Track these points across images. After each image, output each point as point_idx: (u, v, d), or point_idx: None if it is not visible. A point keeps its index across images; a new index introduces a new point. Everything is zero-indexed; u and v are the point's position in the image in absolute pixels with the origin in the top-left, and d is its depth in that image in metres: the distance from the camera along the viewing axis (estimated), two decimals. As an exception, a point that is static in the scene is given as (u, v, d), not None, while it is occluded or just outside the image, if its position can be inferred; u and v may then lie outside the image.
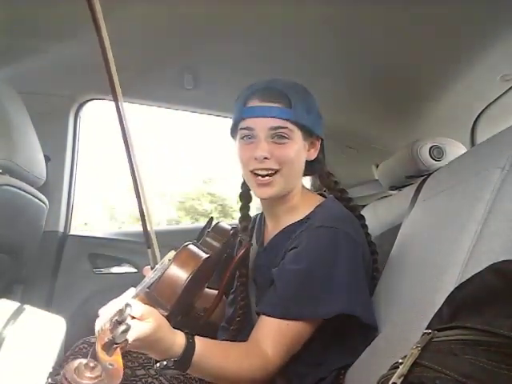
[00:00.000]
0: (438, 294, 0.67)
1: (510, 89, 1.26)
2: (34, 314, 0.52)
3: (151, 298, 0.73)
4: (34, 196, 1.35)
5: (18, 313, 0.51)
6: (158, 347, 0.69)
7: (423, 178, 1.16)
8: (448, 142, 1.25)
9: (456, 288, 0.48)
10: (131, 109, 1.76)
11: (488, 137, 0.86)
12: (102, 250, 1.77)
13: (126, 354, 0.85)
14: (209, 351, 0.75)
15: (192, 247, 0.82)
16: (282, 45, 1.30)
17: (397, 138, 1.58)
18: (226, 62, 1.44)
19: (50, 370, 0.51)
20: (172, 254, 0.80)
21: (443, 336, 0.43)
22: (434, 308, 0.50)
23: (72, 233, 1.79)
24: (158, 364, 0.72)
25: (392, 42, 1.20)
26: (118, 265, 1.77)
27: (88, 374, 0.50)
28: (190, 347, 0.71)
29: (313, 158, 0.98)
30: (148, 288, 0.74)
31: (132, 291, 0.72)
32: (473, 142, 1.47)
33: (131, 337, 0.61)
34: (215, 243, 0.94)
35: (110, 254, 1.77)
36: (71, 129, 1.72)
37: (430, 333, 0.45)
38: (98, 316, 0.67)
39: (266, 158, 0.89)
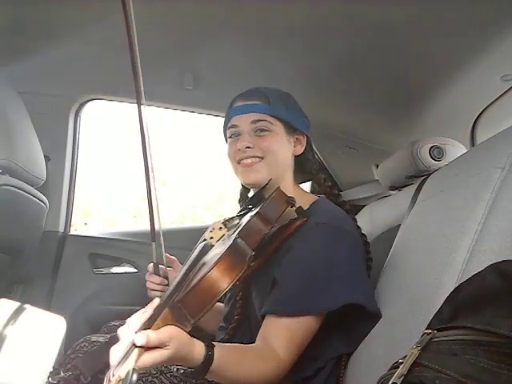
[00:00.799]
0: (438, 294, 0.68)
1: (510, 89, 1.26)
2: (34, 314, 0.52)
3: (177, 312, 0.65)
4: (34, 196, 1.35)
5: (18, 312, 0.51)
6: (178, 361, 0.68)
7: (423, 177, 1.16)
8: (448, 142, 1.25)
9: (456, 288, 0.48)
10: (131, 109, 1.76)
11: (488, 137, 0.86)
12: (102, 250, 1.77)
13: None
14: (226, 360, 0.73)
15: (234, 248, 0.70)
16: (281, 45, 1.30)
17: (397, 138, 1.58)
18: (226, 62, 1.44)
19: (51, 369, 0.51)
20: (216, 227, 0.75)
21: (443, 336, 0.43)
22: (434, 308, 0.50)
23: (72, 233, 1.79)
24: (176, 369, 0.73)
25: (392, 41, 1.19)
26: (118, 265, 1.77)
27: None
28: (208, 359, 0.70)
29: (299, 153, 1.05)
30: (175, 299, 0.66)
31: (156, 302, 0.67)
32: (473, 142, 1.46)
33: (148, 365, 0.60)
34: (263, 226, 0.81)
35: (109, 254, 1.77)
36: (71, 129, 1.72)
37: (430, 333, 0.45)
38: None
39: (248, 148, 0.98)
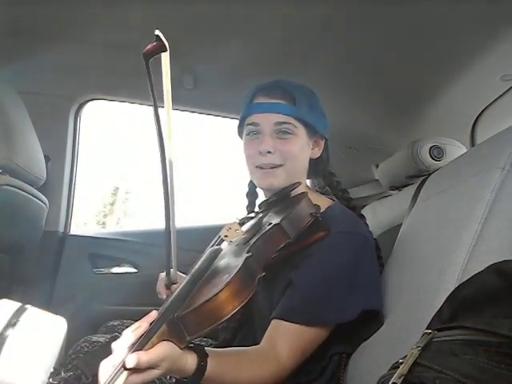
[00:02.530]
0: (438, 294, 0.67)
1: (510, 89, 1.26)
2: (35, 315, 0.52)
3: (175, 329, 0.62)
4: (34, 196, 1.35)
5: (19, 313, 0.51)
6: (176, 367, 0.65)
7: (423, 177, 1.16)
8: (448, 142, 1.25)
9: (456, 288, 0.48)
10: (131, 109, 1.76)
11: (488, 137, 0.86)
12: (102, 250, 1.77)
13: None
14: (221, 368, 0.71)
15: (246, 265, 0.65)
16: (281, 45, 1.30)
17: (397, 138, 1.58)
18: (226, 62, 1.44)
19: (52, 369, 0.51)
20: (233, 228, 0.71)
21: (443, 336, 0.43)
22: (434, 308, 0.50)
23: (72, 233, 1.79)
24: (169, 377, 0.71)
25: (392, 42, 1.19)
26: (118, 265, 1.77)
27: None
28: (200, 370, 0.67)
29: (316, 156, 1.01)
30: (175, 315, 0.63)
31: (153, 315, 0.64)
32: (473, 142, 1.46)
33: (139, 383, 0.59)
34: (281, 240, 0.77)
35: (109, 254, 1.77)
36: (71, 129, 1.72)
37: (430, 333, 0.45)
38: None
39: (269, 152, 0.93)
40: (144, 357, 0.58)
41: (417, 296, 0.77)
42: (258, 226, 0.83)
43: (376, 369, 0.72)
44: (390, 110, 1.52)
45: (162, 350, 0.61)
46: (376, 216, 1.52)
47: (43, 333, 0.51)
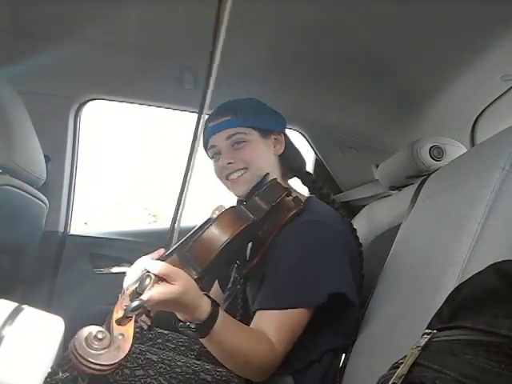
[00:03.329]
0: (438, 294, 0.67)
1: (510, 89, 1.26)
2: (31, 314, 0.52)
3: (184, 258, 0.73)
4: (34, 196, 1.35)
5: (16, 313, 0.51)
6: (183, 309, 0.72)
7: (423, 177, 1.16)
8: (448, 142, 1.25)
9: (456, 288, 0.48)
10: (131, 109, 1.76)
11: (488, 137, 0.86)
12: (102, 250, 1.77)
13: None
14: (229, 325, 0.78)
15: (236, 209, 0.81)
16: (281, 45, 1.30)
17: (397, 138, 1.58)
18: (226, 62, 1.43)
19: (49, 369, 0.51)
20: (219, 209, 0.81)
21: (443, 336, 0.43)
22: (434, 308, 0.50)
23: (72, 233, 1.79)
24: (180, 323, 0.74)
25: (392, 41, 1.19)
26: (118, 265, 1.77)
27: (96, 345, 0.55)
28: (213, 315, 0.73)
29: (280, 151, 1.08)
30: (183, 248, 0.74)
31: (161, 251, 0.74)
32: (473, 142, 1.46)
33: (155, 299, 0.65)
34: (264, 205, 0.90)
35: (109, 254, 1.77)
36: (71, 129, 1.72)
37: (430, 333, 0.45)
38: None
39: (230, 163, 1.03)
40: (165, 264, 0.68)
41: (417, 296, 0.77)
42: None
43: (376, 368, 0.72)
44: (390, 110, 1.52)
45: (179, 270, 0.70)
46: (375, 216, 1.52)
47: (40, 332, 0.51)
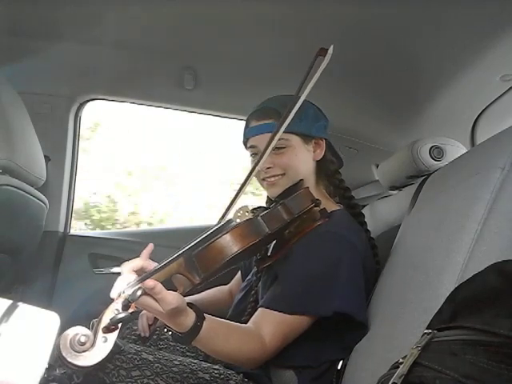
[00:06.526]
0: (438, 294, 0.67)
1: (510, 89, 1.26)
2: (27, 311, 0.52)
3: (190, 263, 0.73)
4: (33, 196, 1.35)
5: (11, 310, 0.51)
6: (176, 319, 0.73)
7: (423, 178, 1.16)
8: (448, 142, 1.25)
9: (456, 288, 0.48)
10: (132, 109, 1.76)
11: (488, 137, 0.86)
12: (102, 250, 1.77)
13: (119, 356, 0.85)
14: (214, 332, 0.79)
15: (253, 222, 0.80)
16: (281, 45, 1.30)
17: (397, 138, 1.58)
18: (226, 62, 1.44)
19: (46, 365, 0.52)
20: (243, 211, 0.82)
21: (443, 336, 0.43)
22: (434, 308, 0.50)
23: (72, 233, 1.79)
24: (170, 332, 0.77)
25: (392, 41, 1.19)
26: (118, 265, 1.76)
27: (77, 347, 0.60)
28: (195, 329, 0.75)
29: (320, 157, 1.07)
30: (192, 251, 0.74)
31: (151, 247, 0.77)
32: (473, 142, 1.46)
33: (145, 305, 0.68)
34: (285, 215, 0.88)
35: (109, 254, 1.77)
36: (71, 129, 1.72)
37: (430, 333, 0.45)
38: (97, 316, 0.68)
39: (269, 168, 1.02)
40: (162, 289, 0.68)
41: (417, 296, 0.77)
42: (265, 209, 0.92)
43: (376, 368, 0.72)
44: (390, 110, 1.52)
45: (175, 296, 0.70)
46: (376, 216, 1.52)
47: (36, 328, 0.51)
